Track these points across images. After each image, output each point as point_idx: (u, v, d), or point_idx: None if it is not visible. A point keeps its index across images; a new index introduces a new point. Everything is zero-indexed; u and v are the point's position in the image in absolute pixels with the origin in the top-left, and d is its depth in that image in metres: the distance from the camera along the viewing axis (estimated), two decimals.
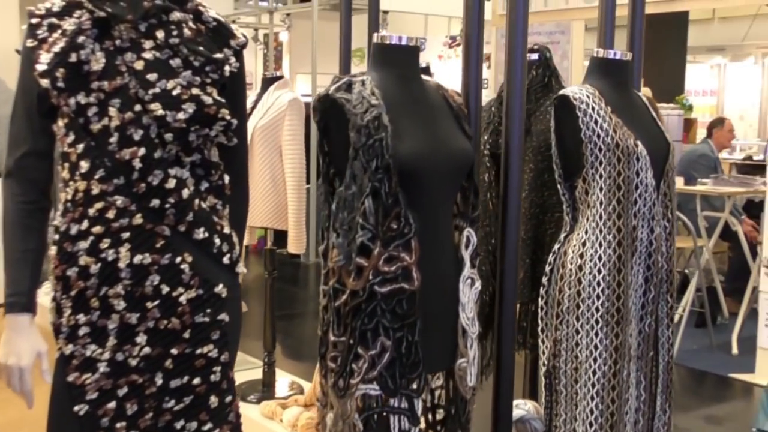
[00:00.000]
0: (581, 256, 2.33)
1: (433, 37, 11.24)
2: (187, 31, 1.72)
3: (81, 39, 1.66)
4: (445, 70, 10.86)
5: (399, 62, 1.99)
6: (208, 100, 1.69)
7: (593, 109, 2.30)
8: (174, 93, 1.67)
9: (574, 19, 6.12)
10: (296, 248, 3.93)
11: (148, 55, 1.70)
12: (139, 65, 1.69)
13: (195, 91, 1.69)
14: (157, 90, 1.67)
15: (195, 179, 1.75)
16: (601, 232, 2.31)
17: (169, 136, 1.68)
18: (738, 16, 13.91)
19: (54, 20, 1.73)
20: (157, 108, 1.66)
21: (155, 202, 1.69)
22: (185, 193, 1.71)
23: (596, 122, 2.29)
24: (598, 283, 2.31)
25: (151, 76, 1.68)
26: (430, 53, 11.06)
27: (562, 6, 6.05)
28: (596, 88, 2.37)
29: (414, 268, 1.88)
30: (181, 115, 1.66)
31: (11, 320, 1.72)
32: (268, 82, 4.03)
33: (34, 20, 1.74)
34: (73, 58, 1.65)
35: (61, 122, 1.73)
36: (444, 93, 2.06)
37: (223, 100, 1.71)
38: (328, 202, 1.98)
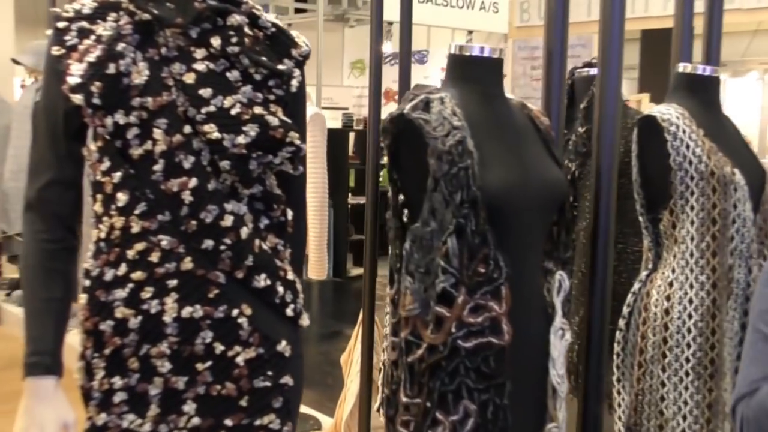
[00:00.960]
0: (668, 298, 2.06)
1: (437, 49, 10.98)
2: (246, 39, 1.44)
3: (120, 46, 1.38)
4: None
5: (481, 77, 1.71)
6: (273, 120, 1.41)
7: (684, 132, 2.03)
8: (232, 112, 1.39)
9: (596, 32, 5.87)
10: (317, 273, 3.64)
11: (200, 67, 1.42)
12: (189, 78, 1.41)
13: (257, 110, 1.40)
14: (211, 108, 1.39)
15: (254, 215, 1.46)
16: (692, 271, 2.04)
17: (225, 164, 1.39)
18: (738, 31, 13.77)
19: (85, 24, 1.45)
20: (211, 130, 1.37)
21: (208, 244, 1.40)
22: (244, 232, 1.42)
23: (687, 147, 2.03)
24: (689, 330, 2.03)
25: (205, 92, 1.40)
26: (432, 66, 10.80)
27: (583, 18, 5.81)
28: (684, 108, 2.10)
29: (504, 320, 1.60)
30: (241, 139, 1.38)
31: (33, 385, 1.42)
32: None
33: (61, 24, 1.45)
34: (111, 69, 1.36)
35: (93, 145, 1.44)
36: (529, 113, 1.79)
37: (290, 121, 1.43)
38: (399, 239, 1.70)
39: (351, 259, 8.88)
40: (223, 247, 1.41)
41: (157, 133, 1.38)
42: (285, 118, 1.42)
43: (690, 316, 2.03)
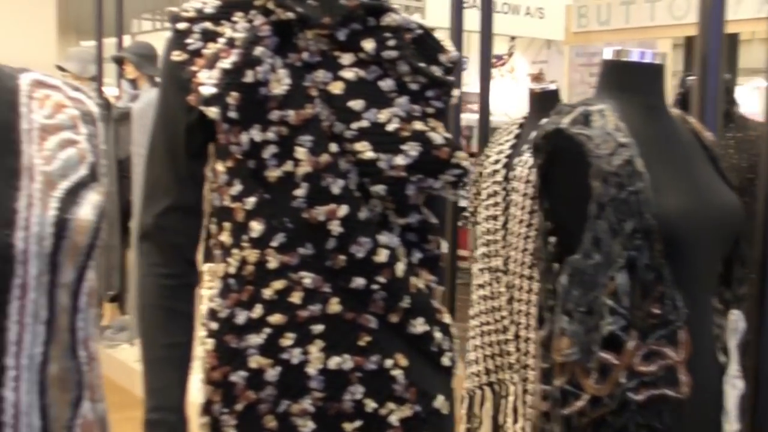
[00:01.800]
0: None
1: (471, 55, 10.70)
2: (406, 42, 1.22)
3: (258, 51, 1.16)
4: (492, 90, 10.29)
5: (642, 86, 1.49)
6: (436, 138, 1.19)
7: None
8: (389, 128, 1.17)
9: (659, 36, 5.63)
10: None
11: (348, 74, 1.20)
12: (336, 88, 1.19)
13: (417, 125, 1.19)
14: (364, 123, 1.17)
15: (406, 248, 1.24)
16: None
17: (378, 189, 1.17)
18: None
19: (209, 25, 1.24)
20: (364, 149, 1.16)
21: (359, 282, 1.19)
22: (399, 269, 1.20)
23: None
24: None
25: (355, 104, 1.18)
26: (470, 73, 10.54)
27: (646, 23, 5.57)
28: None
29: (681, 369, 1.37)
30: (399, 160, 1.16)
31: None
32: None
33: (182, 25, 1.24)
34: (249, 77, 1.15)
35: (221, 165, 1.23)
36: (692, 127, 1.56)
37: (452, 138, 1.21)
38: (551, 272, 1.47)
39: None
40: (375, 287, 1.19)
41: (300, 152, 1.17)
42: (449, 135, 1.20)
43: None
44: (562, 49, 7.66)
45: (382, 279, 1.19)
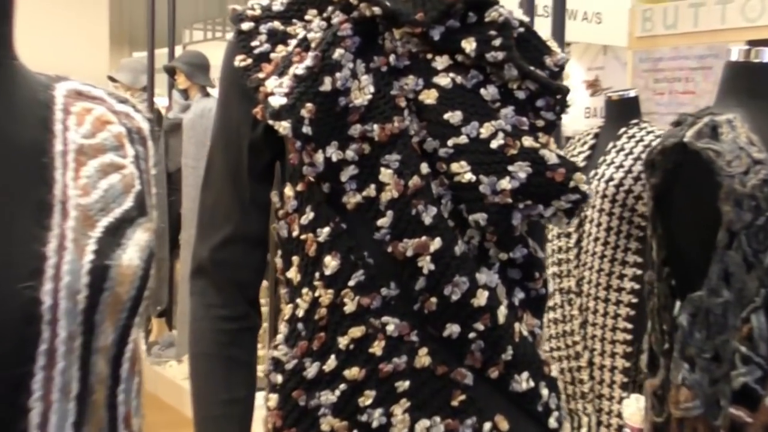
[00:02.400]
0: None
1: None
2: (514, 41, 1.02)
3: (338, 53, 0.97)
4: None
5: None
6: (551, 157, 0.98)
7: None
8: (493, 145, 0.97)
9: (731, 41, 5.35)
10: None
11: (443, 81, 1.00)
12: (428, 97, 0.99)
13: (527, 141, 0.98)
14: (462, 140, 0.97)
15: (506, 287, 1.04)
16: None
17: (479, 218, 0.97)
18: None
19: (277, 24, 1.05)
20: (462, 170, 0.96)
21: (453, 330, 0.99)
22: (501, 313, 1.00)
23: None
24: None
25: (452, 116, 0.98)
26: None
27: (716, 26, 5.30)
28: None
29: None
30: (505, 183, 0.96)
31: None
32: None
33: (246, 25, 1.05)
34: (327, 84, 0.96)
35: (290, 189, 1.04)
36: None
37: (567, 157, 1.01)
38: (666, 309, 1.26)
39: None
40: (473, 335, 0.99)
41: (386, 175, 0.97)
42: (563, 154, 1.00)
43: None
44: (619, 54, 7.41)
45: (480, 326, 0.99)
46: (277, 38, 1.05)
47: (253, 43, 1.05)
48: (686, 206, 1.22)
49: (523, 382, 1.03)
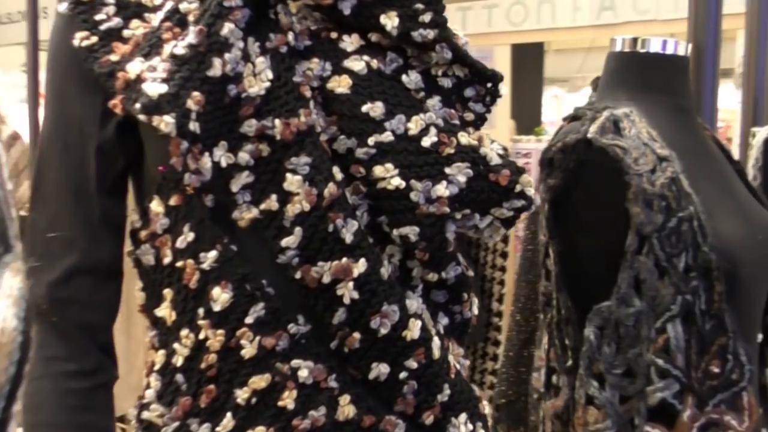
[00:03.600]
0: None
1: None
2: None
3: (226, 29, 0.75)
4: None
5: (668, 84, 1.19)
6: (492, 157, 0.82)
7: None
8: (425, 143, 0.79)
9: (497, 44, 5.49)
10: None
11: (356, 66, 0.81)
12: (340, 86, 0.80)
13: (464, 138, 0.81)
14: (386, 137, 0.78)
15: (431, 312, 0.86)
16: None
17: (409, 232, 0.79)
18: (573, 48, 14.05)
19: None
20: (388, 174, 0.77)
21: (381, 371, 0.79)
22: (435, 346, 0.82)
23: None
24: None
25: (372, 109, 0.79)
26: None
27: (483, 29, 5.42)
28: None
29: None
30: (442, 189, 0.78)
31: None
32: None
33: None
34: (216, 68, 0.74)
35: (158, 205, 0.79)
36: (711, 133, 1.29)
37: (509, 155, 0.85)
38: (569, 323, 1.15)
39: None
40: (404, 375, 0.80)
41: (293, 182, 0.76)
42: (505, 152, 0.84)
43: None
44: None
45: (413, 363, 0.81)
46: (129, 11, 0.81)
47: (98, 17, 0.81)
48: (589, 208, 1.11)
49: (461, 426, 0.86)
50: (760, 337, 1.23)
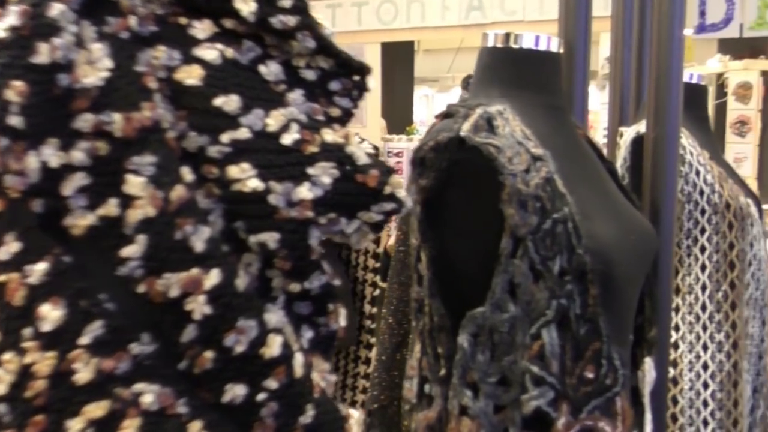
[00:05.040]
0: (674, 364, 1.63)
1: None
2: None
3: (55, 9, 0.65)
4: None
5: (541, 82, 1.16)
6: (360, 156, 0.75)
7: (691, 154, 1.62)
8: (285, 140, 0.71)
9: (367, 42, 5.46)
10: None
11: (209, 55, 0.72)
12: (191, 76, 0.70)
13: (329, 136, 0.74)
14: (242, 134, 0.70)
15: (294, 325, 0.79)
16: (705, 329, 1.63)
17: (268, 239, 0.71)
18: (442, 48, 14.23)
19: None
20: (244, 175, 0.69)
21: (237, 393, 0.71)
22: (297, 363, 0.75)
23: (698, 173, 1.61)
24: (705, 403, 1.62)
25: (226, 103, 0.71)
26: None
27: (353, 27, 5.38)
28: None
29: None
30: (305, 191, 0.71)
31: None
32: None
33: None
34: (43, 54, 0.63)
35: None
36: (583, 132, 1.26)
37: (378, 155, 0.78)
38: (441, 330, 1.10)
39: None
40: (263, 397, 0.72)
41: (135, 184, 0.67)
42: (373, 151, 0.77)
43: (706, 386, 1.61)
44: None
45: (273, 383, 0.73)
46: None
47: None
48: (463, 210, 1.06)
49: None
50: (631, 338, 1.22)
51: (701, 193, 1.60)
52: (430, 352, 1.10)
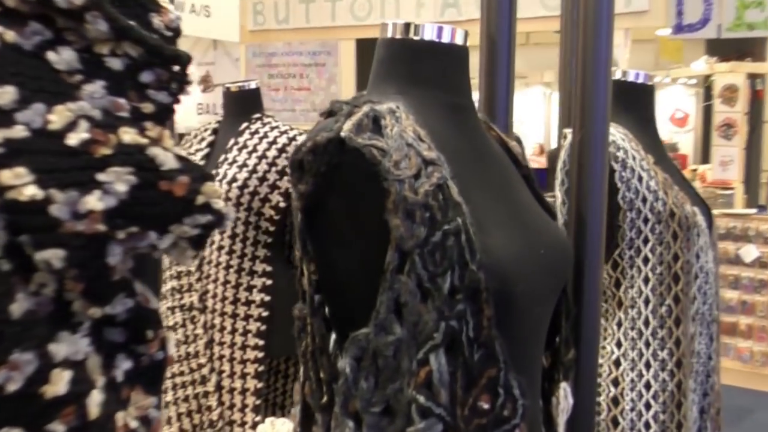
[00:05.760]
0: (615, 383, 1.53)
1: None
2: None
3: None
4: None
5: (443, 77, 1.05)
6: (166, 159, 0.63)
7: (634, 159, 1.51)
8: (71, 141, 0.60)
9: (341, 38, 5.35)
10: None
11: None
12: None
13: (128, 135, 0.62)
14: (18, 133, 0.59)
15: (103, 357, 0.68)
16: (648, 345, 1.52)
17: (52, 257, 0.60)
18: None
19: None
20: (19, 181, 0.58)
21: None
22: (93, 402, 0.63)
23: (640, 179, 1.50)
24: (647, 425, 1.51)
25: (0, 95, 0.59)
26: None
27: (327, 23, 5.26)
28: (623, 126, 1.58)
29: None
30: (94, 201, 0.60)
31: None
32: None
33: None
34: None
35: None
36: (499, 136, 1.15)
37: (191, 160, 0.67)
38: (323, 353, 0.99)
39: None
40: None
41: None
42: (185, 155, 0.66)
43: (648, 406, 1.50)
44: (230, 50, 7.24)
45: (59, 427, 0.62)
46: None
47: None
48: (346, 220, 0.95)
49: None
50: (544, 362, 1.11)
51: (644, 200, 1.49)
52: (312, 376, 0.99)
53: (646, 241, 1.50)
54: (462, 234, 0.91)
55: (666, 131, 11.91)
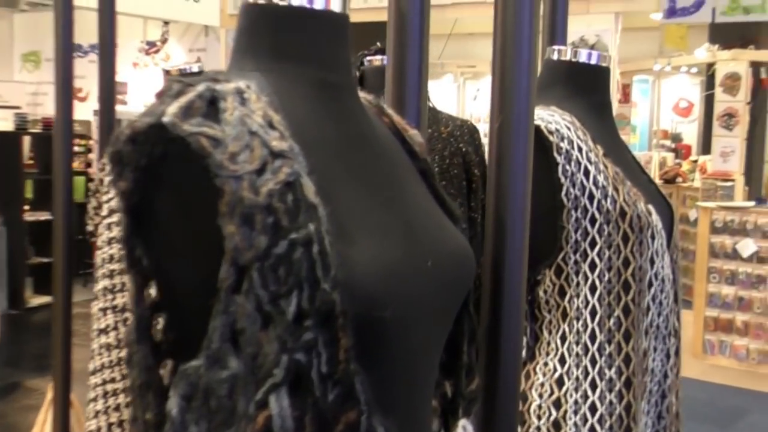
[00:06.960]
0: (557, 404, 1.34)
1: (127, 41, 9.65)
2: None
3: None
4: (143, 81, 9.38)
5: (314, 50, 0.86)
6: None
7: (580, 150, 1.32)
8: None
9: None
10: None
11: None
12: None
13: None
14: None
15: None
16: (594, 363, 1.34)
17: None
18: (432, 34, 13.91)
19: None
20: None
21: None
22: None
23: (587, 173, 1.32)
24: None
25: None
26: (121, 60, 9.50)
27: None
28: (569, 113, 1.39)
29: None
30: None
31: None
32: None
33: None
34: None
35: None
36: (393, 122, 0.97)
37: None
38: (152, 388, 0.80)
39: (31, 285, 7.52)
40: None
41: None
42: None
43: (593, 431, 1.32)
44: (221, 36, 7.07)
45: None
46: None
47: None
48: (175, 224, 0.77)
49: None
50: (448, 391, 0.93)
51: (591, 197, 1.31)
52: (139, 417, 0.81)
53: (593, 243, 1.32)
54: (314, 244, 0.73)
55: (670, 121, 11.70)
